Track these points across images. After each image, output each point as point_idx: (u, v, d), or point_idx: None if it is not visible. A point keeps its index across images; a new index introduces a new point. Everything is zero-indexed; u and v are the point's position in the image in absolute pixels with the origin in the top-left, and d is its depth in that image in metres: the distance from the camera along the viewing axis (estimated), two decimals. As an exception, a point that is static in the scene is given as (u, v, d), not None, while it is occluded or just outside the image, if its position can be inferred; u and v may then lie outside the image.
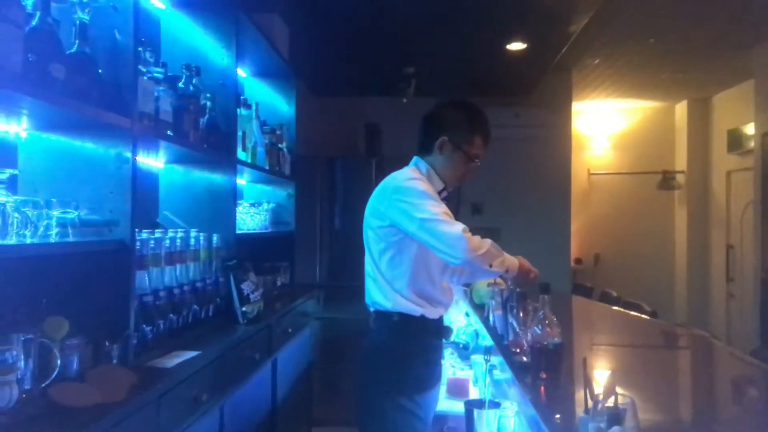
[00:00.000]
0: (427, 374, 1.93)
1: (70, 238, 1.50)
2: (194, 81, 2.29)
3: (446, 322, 3.06)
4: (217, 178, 2.56)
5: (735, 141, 5.84)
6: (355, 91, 5.76)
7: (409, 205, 1.80)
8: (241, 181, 3.27)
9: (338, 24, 3.98)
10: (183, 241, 2.16)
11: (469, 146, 1.99)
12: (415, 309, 1.89)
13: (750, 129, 5.27)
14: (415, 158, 2.06)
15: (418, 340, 1.91)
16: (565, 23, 3.92)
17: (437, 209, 1.80)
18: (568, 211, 5.90)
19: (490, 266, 1.79)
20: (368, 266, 1.99)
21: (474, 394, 2.33)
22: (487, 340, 2.37)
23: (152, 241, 1.92)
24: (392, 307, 1.90)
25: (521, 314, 1.88)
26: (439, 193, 1.99)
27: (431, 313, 1.93)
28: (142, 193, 2.11)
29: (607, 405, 1.04)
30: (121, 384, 1.45)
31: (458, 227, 1.75)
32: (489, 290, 2.53)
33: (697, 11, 4.08)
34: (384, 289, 1.92)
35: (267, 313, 2.65)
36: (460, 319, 3.06)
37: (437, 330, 1.99)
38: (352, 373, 2.03)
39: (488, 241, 1.82)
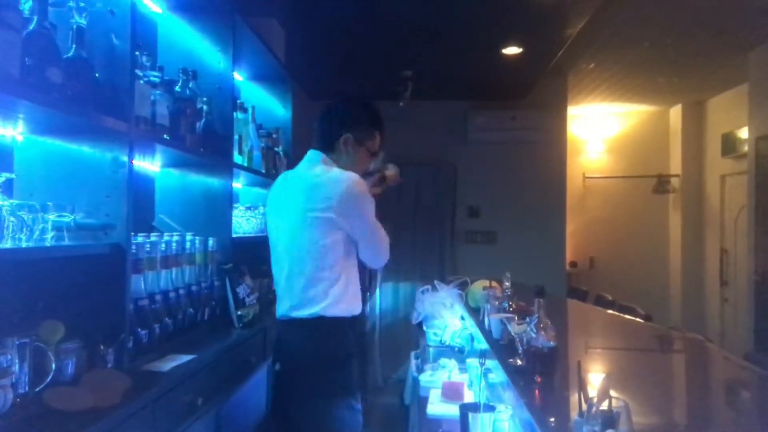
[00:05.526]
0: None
1: (66, 242, 1.50)
2: (191, 85, 2.30)
3: (442, 326, 3.08)
4: (213, 181, 2.57)
5: (729, 145, 5.87)
6: (352, 95, 5.77)
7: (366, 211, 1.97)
8: (237, 184, 3.27)
9: (335, 28, 3.99)
10: (179, 245, 2.16)
11: (371, 142, 2.07)
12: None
13: (744, 133, 5.29)
14: (317, 153, 2.03)
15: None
16: (560, 27, 3.94)
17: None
18: (563, 214, 5.92)
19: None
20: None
21: (469, 397, 2.33)
22: (483, 344, 2.38)
23: (148, 245, 1.93)
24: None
25: (516, 317, 1.88)
26: None
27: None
28: (138, 197, 2.12)
29: (601, 408, 1.04)
30: (116, 388, 1.44)
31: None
32: (484, 294, 2.54)
33: (691, 16, 4.10)
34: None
35: (262, 316, 2.65)
36: (455, 322, 3.07)
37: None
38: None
39: None
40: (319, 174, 1.95)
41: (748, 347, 4.63)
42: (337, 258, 1.90)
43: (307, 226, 1.89)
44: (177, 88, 2.21)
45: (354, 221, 1.91)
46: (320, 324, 1.89)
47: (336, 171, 1.96)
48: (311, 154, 2.04)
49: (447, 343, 2.97)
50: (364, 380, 2.01)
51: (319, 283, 1.90)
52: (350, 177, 1.93)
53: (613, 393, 1.05)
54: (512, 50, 4.41)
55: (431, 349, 2.98)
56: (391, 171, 2.30)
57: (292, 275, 1.93)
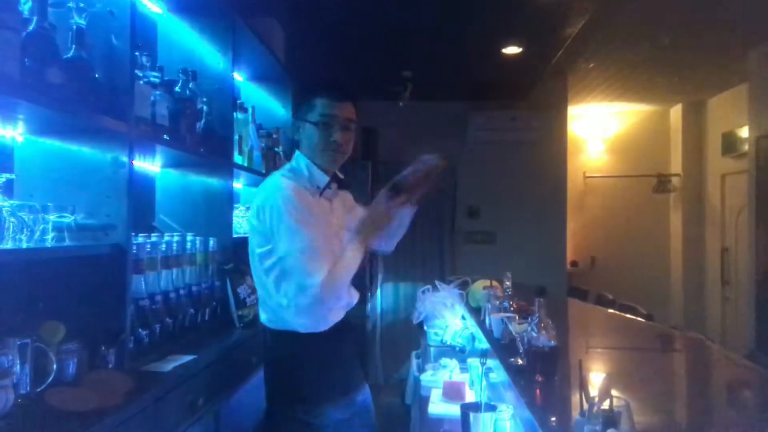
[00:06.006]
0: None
1: (67, 243, 1.50)
2: (191, 85, 2.29)
3: (443, 325, 3.08)
4: (213, 182, 2.57)
5: (730, 144, 5.86)
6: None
7: (287, 228, 1.73)
8: (238, 185, 3.26)
9: (335, 28, 3.99)
10: (179, 245, 2.16)
11: (313, 113, 1.86)
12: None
13: (744, 132, 5.29)
14: (296, 153, 1.96)
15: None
16: (560, 27, 3.94)
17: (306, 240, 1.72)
18: (564, 214, 5.92)
19: (359, 263, 1.77)
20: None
21: (470, 397, 2.33)
22: (484, 343, 2.38)
23: (148, 245, 1.93)
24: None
25: (517, 317, 1.89)
26: (326, 188, 1.89)
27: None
28: (139, 197, 2.12)
29: (602, 408, 1.04)
30: (117, 388, 1.45)
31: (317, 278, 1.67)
32: (485, 293, 2.54)
33: (691, 15, 4.10)
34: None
35: (263, 316, 2.65)
36: (456, 322, 3.07)
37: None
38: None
39: (342, 270, 1.74)
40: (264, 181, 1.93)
41: (749, 346, 4.62)
42: (272, 270, 1.78)
43: (250, 231, 1.87)
44: (177, 89, 2.20)
45: (273, 240, 1.75)
46: (267, 333, 1.89)
47: (270, 180, 1.88)
48: (295, 155, 1.98)
49: (448, 343, 2.96)
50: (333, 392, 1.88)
51: (263, 293, 1.87)
52: (270, 184, 1.84)
53: (614, 392, 1.05)
54: (512, 50, 4.41)
55: (432, 348, 2.98)
56: (412, 172, 1.88)
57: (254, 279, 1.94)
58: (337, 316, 1.89)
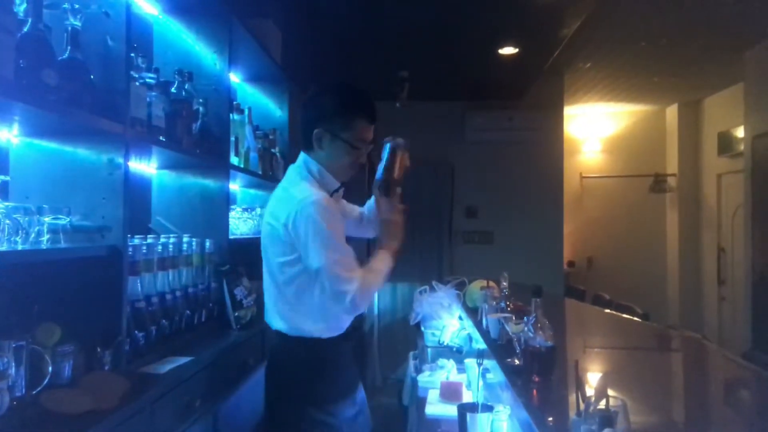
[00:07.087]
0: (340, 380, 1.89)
1: (62, 245, 1.50)
2: (187, 86, 2.29)
3: (440, 326, 3.08)
4: (209, 183, 2.56)
5: (725, 144, 5.89)
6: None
7: (319, 242, 1.71)
8: (234, 186, 3.26)
9: (331, 28, 3.99)
10: (175, 247, 2.16)
11: (350, 133, 1.81)
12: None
13: (740, 132, 5.31)
14: (302, 155, 1.89)
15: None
16: (556, 27, 3.95)
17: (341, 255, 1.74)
18: (560, 214, 5.93)
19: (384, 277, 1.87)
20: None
21: (467, 397, 2.33)
22: (480, 344, 2.38)
23: (144, 247, 1.92)
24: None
25: (514, 317, 1.89)
26: (336, 191, 1.90)
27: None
28: (135, 199, 2.11)
29: (598, 407, 1.04)
30: (113, 390, 1.44)
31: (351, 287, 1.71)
32: (482, 293, 2.54)
33: (687, 15, 4.11)
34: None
35: (260, 318, 2.64)
36: (453, 323, 3.07)
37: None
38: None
39: (373, 278, 1.82)
40: (284, 186, 1.86)
41: (745, 346, 4.63)
42: (295, 280, 1.78)
43: (269, 238, 1.82)
44: (173, 90, 2.20)
45: (304, 250, 1.72)
46: (280, 338, 1.85)
47: (297, 188, 1.80)
48: (300, 157, 1.91)
49: (445, 344, 2.96)
50: (344, 389, 1.93)
51: (279, 301, 1.84)
52: (300, 195, 1.75)
53: (610, 392, 1.05)
54: (509, 50, 4.41)
55: (429, 349, 2.97)
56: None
57: (265, 285, 1.90)
58: (349, 320, 1.92)
